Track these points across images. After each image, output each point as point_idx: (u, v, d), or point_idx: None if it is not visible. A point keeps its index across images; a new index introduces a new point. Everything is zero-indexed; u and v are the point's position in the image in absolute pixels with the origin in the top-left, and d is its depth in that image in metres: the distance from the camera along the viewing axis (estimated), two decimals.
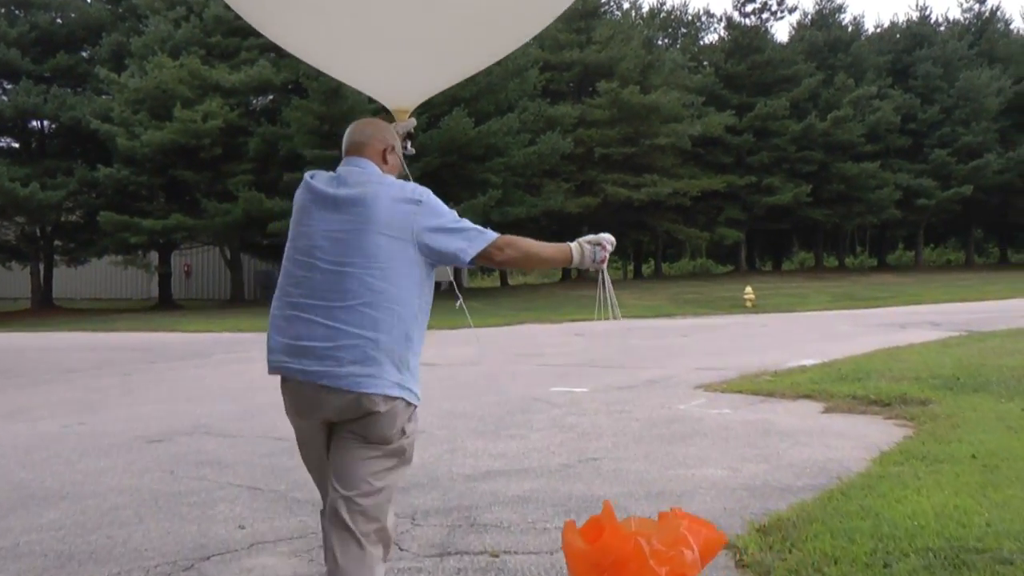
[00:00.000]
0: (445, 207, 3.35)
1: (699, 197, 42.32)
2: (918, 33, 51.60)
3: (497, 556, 4.59)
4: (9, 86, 36.67)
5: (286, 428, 8.06)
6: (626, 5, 50.53)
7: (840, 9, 52.95)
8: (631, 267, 53.20)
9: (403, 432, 3.28)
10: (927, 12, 55.71)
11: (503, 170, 34.45)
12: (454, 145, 32.02)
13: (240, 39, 34.79)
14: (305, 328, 3.22)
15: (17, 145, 38.32)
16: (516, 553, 4.64)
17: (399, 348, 3.22)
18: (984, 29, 53.03)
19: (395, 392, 3.21)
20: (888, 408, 8.71)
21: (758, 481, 5.99)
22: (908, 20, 54.49)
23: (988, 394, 9.11)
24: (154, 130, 31.88)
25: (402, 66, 3.98)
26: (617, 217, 40.61)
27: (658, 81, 41.67)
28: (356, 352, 3.16)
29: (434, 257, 3.29)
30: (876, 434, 7.51)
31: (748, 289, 29.74)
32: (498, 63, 5.18)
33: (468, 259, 3.29)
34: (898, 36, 53.04)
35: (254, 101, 36.53)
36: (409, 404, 3.28)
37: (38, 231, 36.68)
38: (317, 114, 31.74)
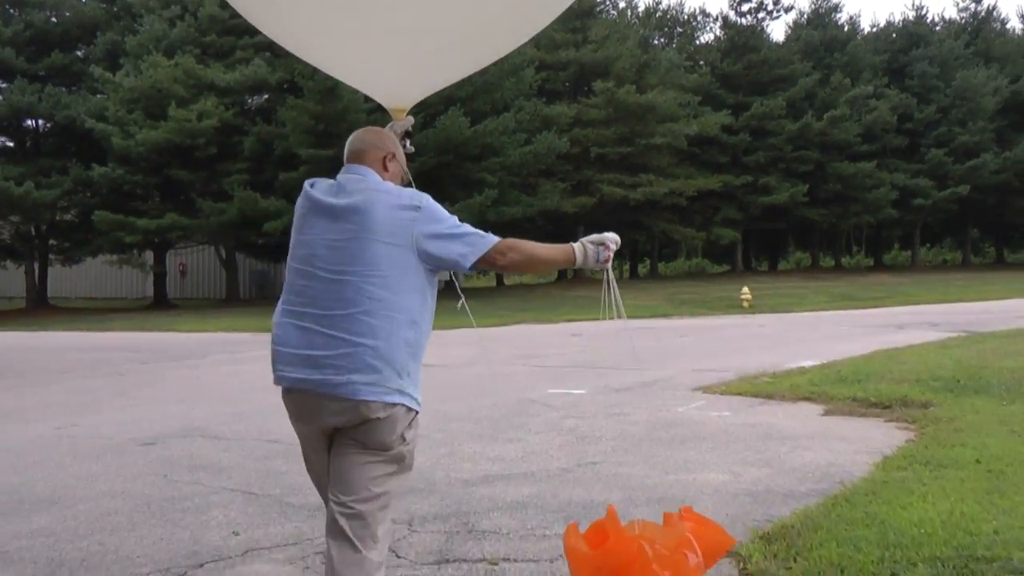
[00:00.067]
0: (445, 212, 3.31)
1: (695, 197, 42.26)
2: (914, 32, 51.57)
3: (496, 564, 4.51)
4: (3, 85, 36.50)
5: (281, 430, 8.00)
6: (622, 4, 50.48)
7: (836, 8, 52.91)
8: (627, 267, 53.11)
9: (403, 439, 3.26)
10: (923, 11, 55.47)
11: (499, 170, 34.37)
12: (450, 144, 31.93)
13: (235, 38, 34.72)
14: (305, 337, 3.22)
15: (12, 144, 38.21)
16: (515, 561, 4.56)
17: (399, 355, 3.20)
18: (980, 28, 53.06)
19: (395, 399, 3.19)
20: (889, 411, 8.64)
21: (760, 486, 5.91)
22: (904, 19, 54.54)
23: (989, 396, 9.04)
24: (149, 129, 31.77)
25: (399, 64, 3.94)
26: (613, 217, 40.48)
27: (654, 81, 41.60)
28: (355, 360, 3.15)
29: (434, 263, 3.27)
30: (878, 437, 7.44)
31: (745, 289, 29.69)
32: (494, 62, 5.12)
33: (469, 264, 3.27)
34: (894, 35, 52.98)
35: (249, 100, 36.44)
36: (409, 410, 3.26)
37: (33, 230, 36.58)
38: (312, 113, 31.64)
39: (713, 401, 9.64)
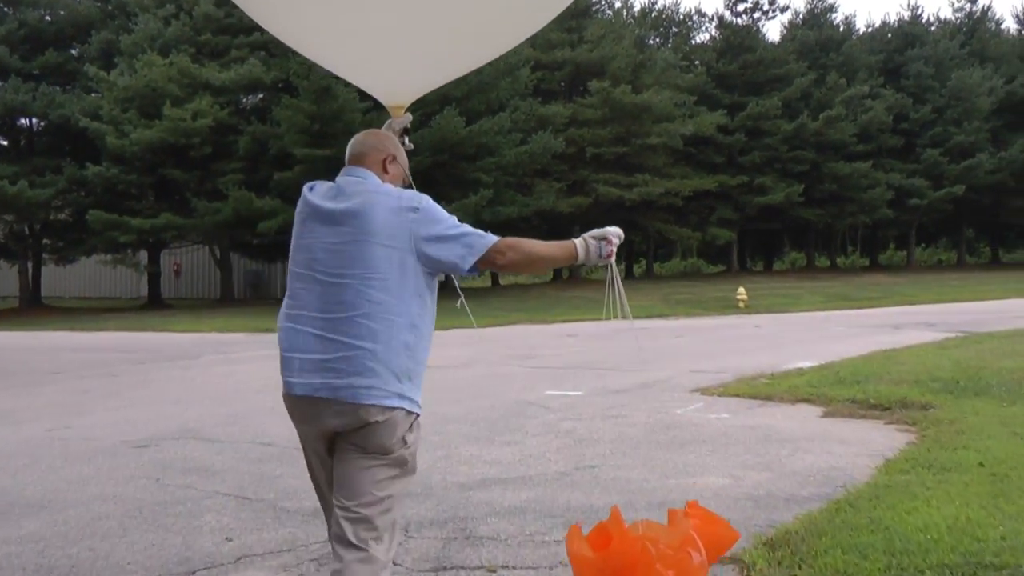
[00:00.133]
0: (444, 213, 3.28)
1: (691, 197, 42.15)
2: (910, 33, 51.54)
3: (495, 571, 4.43)
4: None
5: (275, 433, 7.91)
6: (617, 4, 50.29)
7: (832, 8, 52.78)
8: (622, 267, 53.06)
9: (404, 442, 3.25)
10: (918, 12, 55.89)
11: (494, 169, 34.26)
12: (445, 144, 31.81)
13: (230, 37, 34.58)
14: (305, 340, 3.23)
15: (5, 143, 38.02)
16: (514, 568, 4.48)
17: (399, 358, 3.19)
18: (975, 29, 53.05)
19: (394, 402, 3.19)
20: (888, 412, 8.58)
21: (761, 491, 5.82)
22: (900, 20, 54.40)
23: (990, 398, 8.98)
24: (143, 128, 31.61)
25: (398, 61, 3.91)
26: (609, 217, 40.31)
27: (650, 80, 41.50)
28: (355, 363, 3.14)
29: (433, 266, 3.25)
30: (878, 440, 7.37)
31: (741, 290, 29.63)
32: (489, 62, 5.10)
33: (468, 266, 3.24)
34: (890, 36, 52.94)
35: (244, 100, 36.26)
36: (409, 414, 3.26)
37: (27, 229, 36.40)
38: (307, 113, 31.50)
39: (711, 403, 9.57)
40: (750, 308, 28.07)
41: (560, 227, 40.15)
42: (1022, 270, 45.26)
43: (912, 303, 29.21)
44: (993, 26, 54.41)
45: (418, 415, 3.31)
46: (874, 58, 49.30)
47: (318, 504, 3.66)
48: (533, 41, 38.09)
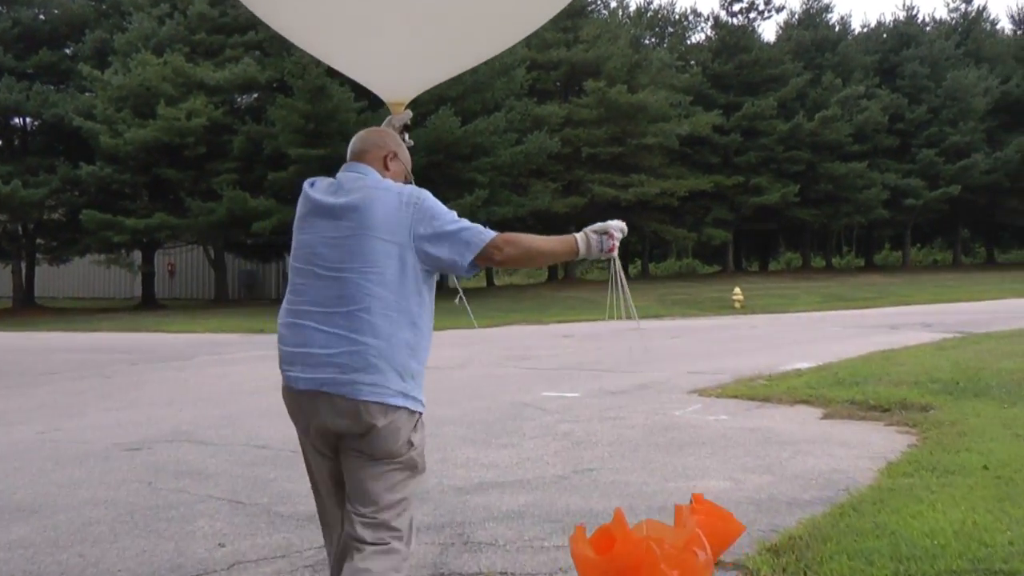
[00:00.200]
0: (443, 208, 3.24)
1: (686, 197, 42.10)
2: (905, 33, 51.58)
3: None
4: None
5: (269, 435, 7.81)
6: (613, 4, 50.27)
7: (827, 9, 52.83)
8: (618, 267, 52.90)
9: (410, 444, 3.25)
10: (914, 12, 55.75)
11: (490, 169, 34.17)
12: (440, 144, 31.71)
13: (225, 36, 34.47)
14: (306, 335, 3.20)
15: None
16: (513, 574, 4.39)
17: (400, 356, 3.16)
18: (970, 29, 53.12)
19: (398, 401, 3.17)
20: (888, 414, 8.50)
21: (763, 494, 5.74)
22: (895, 20, 54.51)
23: (990, 399, 8.92)
24: (137, 128, 31.48)
25: (399, 57, 3.89)
26: (604, 217, 38.99)
27: (645, 80, 41.43)
28: (358, 359, 3.11)
29: (431, 263, 3.22)
30: (879, 442, 7.29)
31: (737, 290, 29.59)
32: (485, 62, 5.08)
33: (466, 264, 3.21)
34: (885, 36, 52.98)
35: (239, 99, 36.13)
36: (412, 413, 3.25)
37: (20, 229, 36.20)
38: (302, 112, 31.39)
39: (709, 404, 9.49)
40: (746, 308, 28.02)
41: (556, 227, 40.02)
42: (1017, 270, 45.28)
43: (908, 303, 29.20)
44: (988, 26, 54.55)
45: (421, 414, 3.30)
46: (870, 58, 49.33)
47: (313, 509, 3.61)
48: (528, 41, 38.04)
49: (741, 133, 44.47)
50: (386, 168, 3.40)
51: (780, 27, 53.52)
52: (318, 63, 29.41)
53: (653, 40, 51.23)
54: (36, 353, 18.09)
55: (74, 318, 29.98)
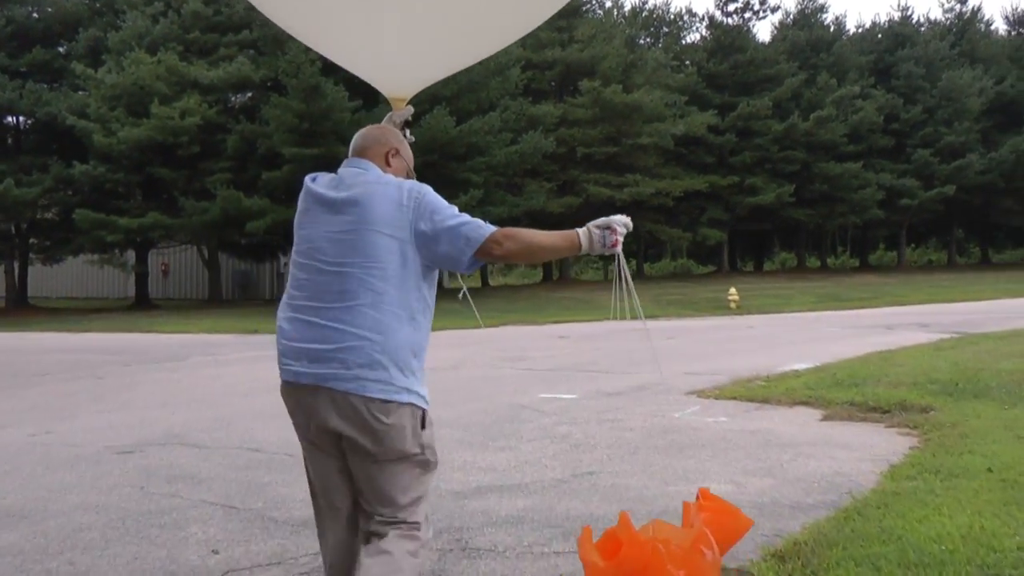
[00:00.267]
0: (444, 203, 3.24)
1: (681, 197, 42.11)
2: (900, 33, 51.64)
3: None
4: None
5: (263, 437, 7.70)
6: (608, 4, 50.21)
7: (822, 9, 52.95)
8: (613, 267, 52.93)
9: (419, 443, 3.21)
10: (909, 12, 55.85)
11: (484, 169, 34.11)
12: (435, 144, 31.61)
13: (219, 35, 34.35)
14: (307, 330, 3.17)
15: None
16: None
17: (402, 352, 3.13)
18: (965, 29, 53.20)
19: (403, 398, 3.13)
20: (888, 416, 8.42)
21: (765, 498, 5.65)
22: (890, 20, 54.63)
23: (990, 400, 8.85)
24: (131, 127, 31.34)
25: (401, 53, 3.86)
26: (599, 217, 40.17)
27: (640, 80, 41.41)
28: (361, 355, 3.08)
29: (431, 259, 3.20)
30: (881, 444, 7.21)
31: (732, 290, 29.57)
32: (480, 61, 5.05)
33: (466, 260, 3.19)
34: (880, 36, 53.03)
35: (233, 98, 35.99)
36: (416, 409, 3.19)
37: (13, 229, 36.04)
38: (296, 112, 31.27)
39: (708, 406, 9.40)
40: (741, 309, 27.99)
41: (550, 227, 39.02)
42: (1012, 270, 45.33)
43: (903, 303, 29.18)
44: (983, 27, 54.69)
45: (426, 409, 3.25)
46: (864, 58, 49.36)
47: (309, 514, 3.54)
48: (523, 41, 37.95)
49: (736, 133, 44.47)
50: (388, 164, 3.39)
51: (775, 27, 53.64)
52: (312, 62, 29.34)
53: (648, 40, 51.20)
54: (28, 353, 17.96)
55: (67, 318, 29.83)
